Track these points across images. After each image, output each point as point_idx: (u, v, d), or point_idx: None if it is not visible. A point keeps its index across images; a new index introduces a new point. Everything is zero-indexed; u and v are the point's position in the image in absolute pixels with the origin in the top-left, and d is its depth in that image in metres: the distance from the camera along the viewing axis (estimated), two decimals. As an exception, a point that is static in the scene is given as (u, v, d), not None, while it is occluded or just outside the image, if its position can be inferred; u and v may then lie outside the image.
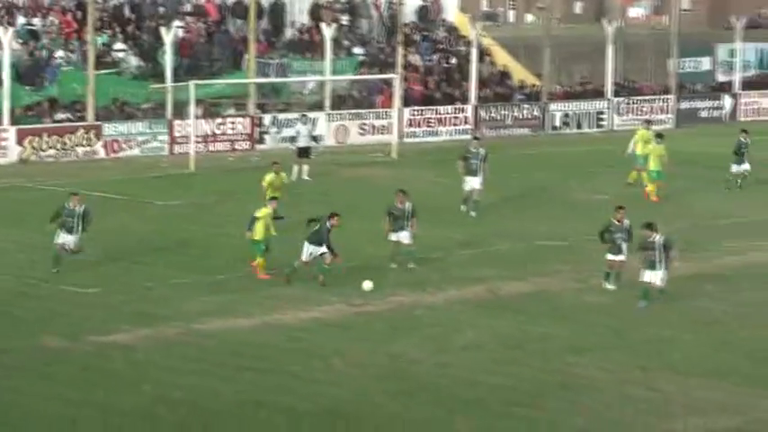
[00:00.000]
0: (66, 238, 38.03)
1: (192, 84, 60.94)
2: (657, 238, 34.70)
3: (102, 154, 61.93)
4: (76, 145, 61.65)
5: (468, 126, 70.48)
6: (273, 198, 40.03)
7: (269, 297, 36.29)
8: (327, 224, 36.84)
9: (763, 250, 43.06)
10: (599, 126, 74.77)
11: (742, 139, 54.30)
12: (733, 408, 27.67)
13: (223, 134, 64.75)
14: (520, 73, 78.44)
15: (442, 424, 26.48)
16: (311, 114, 65.98)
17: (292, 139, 58.13)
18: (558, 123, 73.94)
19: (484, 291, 37.39)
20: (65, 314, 34.52)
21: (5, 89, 60.82)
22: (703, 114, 78.09)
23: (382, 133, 66.98)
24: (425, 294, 36.84)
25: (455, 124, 70.77)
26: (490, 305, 35.95)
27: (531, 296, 36.94)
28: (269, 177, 44.76)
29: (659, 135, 53.86)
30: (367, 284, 35.61)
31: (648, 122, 59.33)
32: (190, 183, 55.89)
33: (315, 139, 58.56)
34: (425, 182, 54.90)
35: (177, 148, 62.44)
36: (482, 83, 73.02)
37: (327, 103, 67.79)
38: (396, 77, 68.33)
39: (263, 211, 38.25)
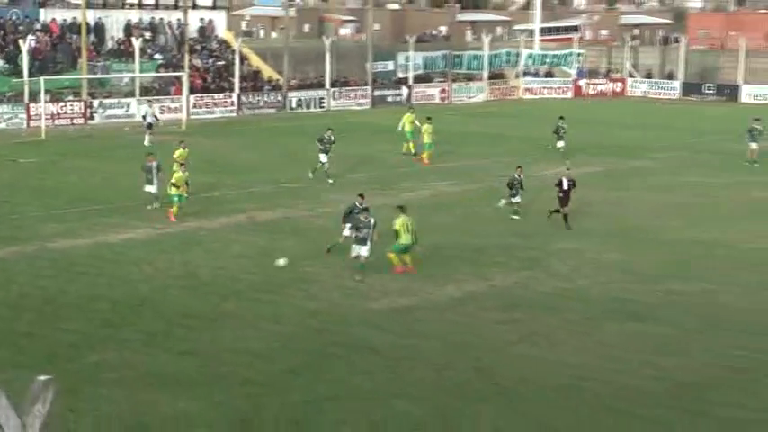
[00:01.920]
0: None
1: (42, 79, 59.67)
2: (372, 219, 29.17)
3: (-22, 127, 60.20)
4: (-41, 121, 59.90)
5: (234, 107, 70.30)
6: (182, 164, 37.51)
7: (98, 224, 35.64)
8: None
9: (427, 189, 43.89)
10: (321, 107, 74.90)
11: (560, 124, 52.11)
12: (411, 292, 28.21)
13: (65, 113, 63.36)
14: (268, 71, 78.11)
15: (215, 306, 26.45)
16: (126, 100, 65.86)
17: (143, 117, 56.82)
18: (294, 105, 73.78)
19: (245, 218, 37.33)
20: (-46, 237, 33.48)
21: None
22: (389, 99, 78.75)
23: (176, 112, 65.92)
24: (206, 221, 36.63)
25: (225, 106, 70.35)
26: (251, 228, 35.93)
27: (278, 221, 36.98)
28: (179, 152, 41.01)
29: (429, 117, 51.49)
30: (281, 261, 29.57)
31: (411, 108, 57.19)
32: (42, 147, 54.39)
33: (156, 117, 57.37)
34: (205, 145, 54.51)
35: (32, 123, 60.77)
36: (243, 78, 72.53)
37: (137, 92, 66.78)
38: (184, 74, 67.59)
39: (177, 176, 36.59)
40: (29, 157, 50.66)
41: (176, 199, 36.43)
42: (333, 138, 45.16)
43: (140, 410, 19.82)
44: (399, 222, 29.54)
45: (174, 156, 41.19)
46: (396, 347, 23.78)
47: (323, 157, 44.33)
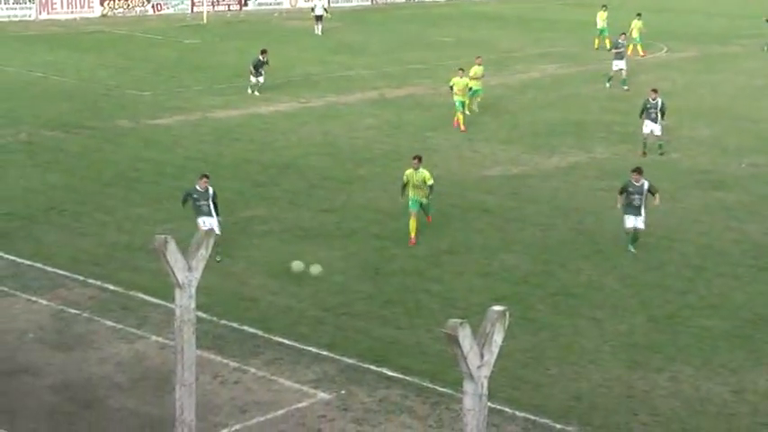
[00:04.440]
0: (210, 222, 19.61)
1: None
2: (644, 182, 20.95)
3: (151, 12, 60.25)
4: (135, 6, 60.04)
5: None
6: (461, 70, 32.39)
7: (250, 98, 35.83)
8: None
9: (536, 71, 42.96)
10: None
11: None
12: (521, 162, 27.99)
13: (223, 0, 63.32)
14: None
15: (350, 171, 26.61)
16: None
17: (313, 9, 55.31)
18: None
19: (377, 95, 37.17)
20: (130, 107, 34.01)
21: (91, -27, 59.45)
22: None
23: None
24: (343, 96, 36.60)
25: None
26: (381, 103, 35.76)
27: (404, 98, 36.74)
28: (455, 79, 32.08)
29: (639, 14, 47.03)
30: (296, 265, 19.04)
31: (604, 6, 49.67)
32: (203, 30, 54.52)
33: (326, 10, 56.29)
34: (344, 30, 54.03)
35: (196, 9, 60.81)
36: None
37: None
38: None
39: (454, 80, 31.71)
40: (192, 38, 51.02)
41: (458, 105, 31.71)
42: (623, 42, 40.15)
43: (285, 258, 20.14)
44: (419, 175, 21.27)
45: (451, 83, 32.77)
46: (506, 210, 23.69)
47: (619, 64, 39.24)
